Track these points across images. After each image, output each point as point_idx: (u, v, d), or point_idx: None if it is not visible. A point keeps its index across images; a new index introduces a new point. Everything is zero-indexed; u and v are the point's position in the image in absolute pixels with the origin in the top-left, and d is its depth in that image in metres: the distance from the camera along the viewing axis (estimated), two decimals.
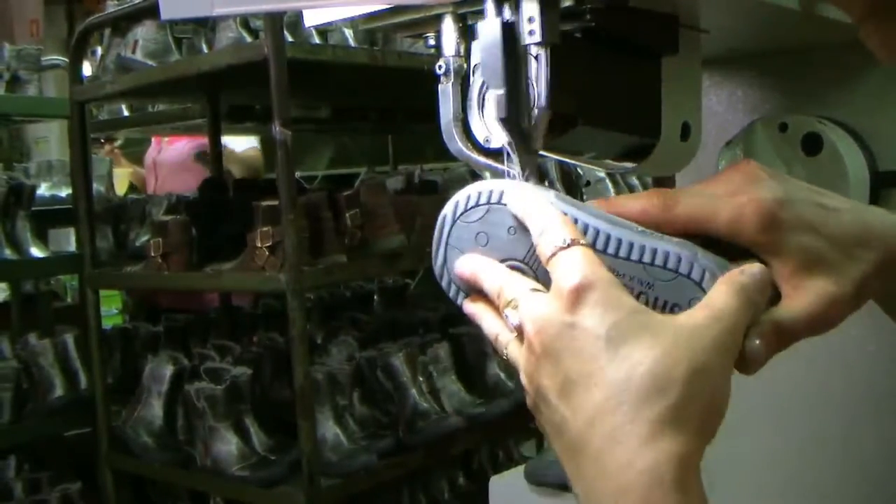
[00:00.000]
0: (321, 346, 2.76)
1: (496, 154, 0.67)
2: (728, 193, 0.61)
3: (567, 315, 0.55)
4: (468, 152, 0.68)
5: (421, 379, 2.55)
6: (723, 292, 0.56)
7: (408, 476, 2.70)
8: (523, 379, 0.58)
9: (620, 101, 0.74)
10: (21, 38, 6.16)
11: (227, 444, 2.37)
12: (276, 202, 2.18)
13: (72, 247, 3.86)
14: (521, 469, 1.36)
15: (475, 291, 0.64)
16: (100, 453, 2.79)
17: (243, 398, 2.42)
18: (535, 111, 0.63)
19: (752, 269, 0.58)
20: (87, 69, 3.09)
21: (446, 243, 0.65)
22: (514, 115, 0.63)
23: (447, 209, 0.64)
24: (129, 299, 4.49)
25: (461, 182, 2.98)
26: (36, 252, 3.21)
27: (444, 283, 0.66)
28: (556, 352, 0.55)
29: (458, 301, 0.65)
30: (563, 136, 0.68)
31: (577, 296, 0.55)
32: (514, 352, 0.60)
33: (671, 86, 0.76)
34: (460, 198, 0.64)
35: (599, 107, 0.70)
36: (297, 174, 2.64)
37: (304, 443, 2.16)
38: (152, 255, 2.51)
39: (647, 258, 0.58)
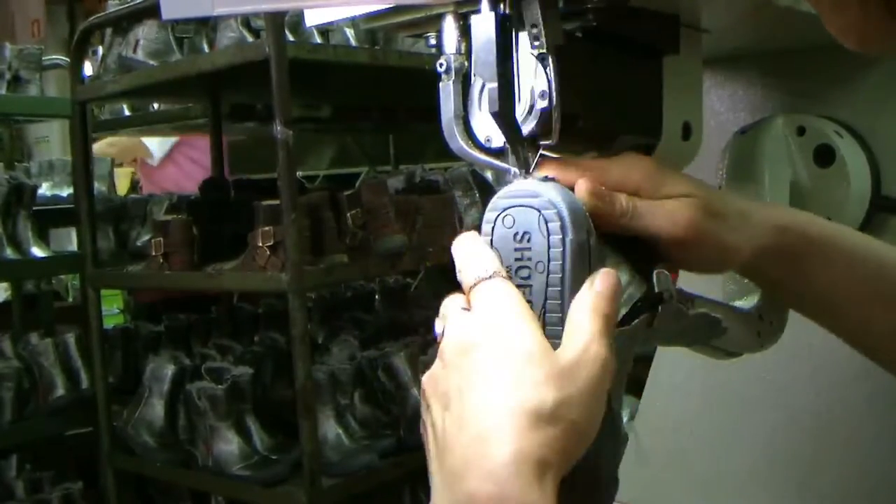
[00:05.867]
0: (322, 346, 2.76)
1: (497, 152, 0.67)
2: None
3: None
4: (469, 150, 0.68)
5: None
6: (584, 322, 0.60)
7: (409, 476, 2.69)
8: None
9: (622, 100, 0.74)
10: (22, 38, 6.15)
11: (229, 444, 2.37)
12: (277, 202, 2.18)
13: (73, 246, 3.86)
14: None
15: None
16: (101, 453, 2.79)
17: (244, 398, 2.42)
18: (541, 112, 0.63)
19: (603, 284, 0.62)
20: (88, 69, 3.09)
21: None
22: (506, 108, 0.63)
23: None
24: (130, 299, 4.49)
25: (462, 181, 2.97)
26: (37, 252, 3.21)
27: None
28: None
29: None
30: (565, 136, 0.68)
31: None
32: None
33: (672, 85, 0.76)
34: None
35: (601, 106, 0.70)
36: (299, 174, 2.64)
37: (306, 442, 2.16)
38: (153, 254, 2.51)
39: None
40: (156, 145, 4.32)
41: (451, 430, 0.59)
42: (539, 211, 0.62)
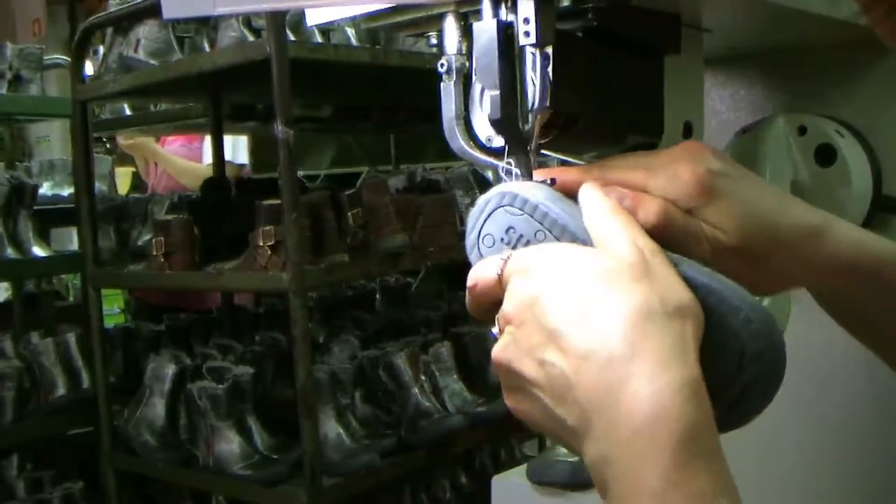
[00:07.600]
0: (323, 346, 2.76)
1: (498, 152, 0.67)
2: (668, 162, 0.65)
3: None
4: (470, 150, 0.68)
5: (423, 378, 2.55)
6: (603, 218, 0.60)
7: (410, 475, 2.69)
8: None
9: (623, 100, 0.74)
10: (23, 38, 6.15)
11: (230, 444, 2.37)
12: (278, 201, 2.18)
13: (74, 246, 3.87)
14: (523, 468, 1.35)
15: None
16: (102, 452, 2.79)
17: (245, 397, 2.42)
18: (531, 111, 0.63)
19: (588, 189, 0.62)
20: (89, 68, 3.09)
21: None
22: (507, 116, 0.63)
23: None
24: (131, 298, 4.49)
25: (463, 181, 2.97)
26: (38, 251, 3.21)
27: None
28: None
29: None
30: (566, 135, 0.68)
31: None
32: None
33: (673, 85, 0.76)
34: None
35: (602, 106, 0.70)
36: (300, 173, 2.64)
37: (306, 442, 2.16)
38: (154, 254, 2.51)
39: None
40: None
41: (570, 366, 0.54)
42: (500, 207, 0.63)
